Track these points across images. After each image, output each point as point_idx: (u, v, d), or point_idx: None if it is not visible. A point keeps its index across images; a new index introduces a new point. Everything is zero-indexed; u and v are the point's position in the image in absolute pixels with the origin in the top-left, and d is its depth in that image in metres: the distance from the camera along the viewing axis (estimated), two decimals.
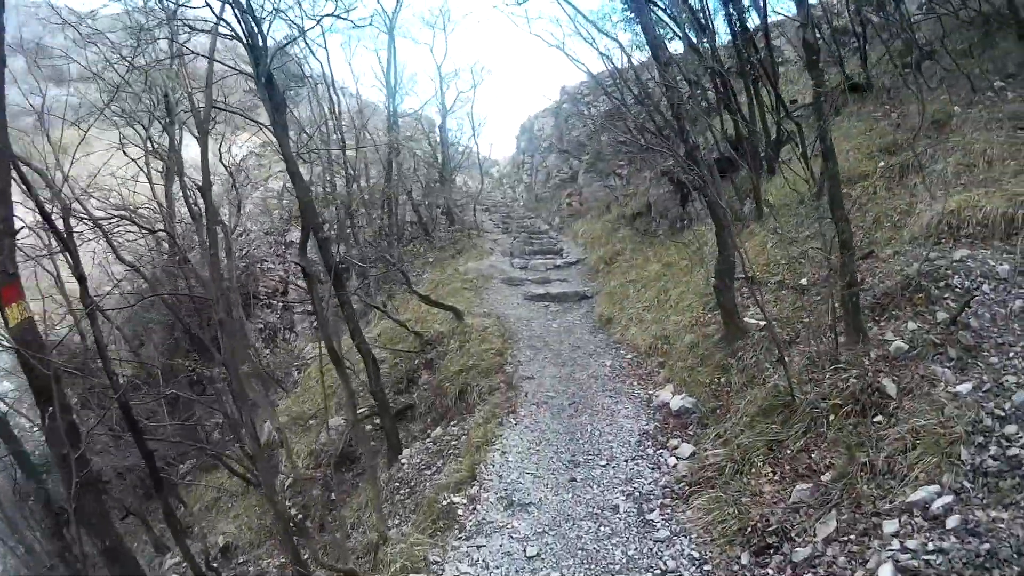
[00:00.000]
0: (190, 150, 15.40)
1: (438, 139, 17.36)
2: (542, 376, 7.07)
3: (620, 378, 6.78)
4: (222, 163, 15.22)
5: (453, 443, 6.74)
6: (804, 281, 6.48)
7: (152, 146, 13.17)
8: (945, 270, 4.78)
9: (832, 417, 4.15)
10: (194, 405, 12.07)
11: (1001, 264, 4.70)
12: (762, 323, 5.97)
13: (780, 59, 12.38)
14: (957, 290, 4.60)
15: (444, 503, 5.04)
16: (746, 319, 6.06)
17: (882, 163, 7.40)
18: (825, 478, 3.76)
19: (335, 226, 15.67)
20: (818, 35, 12.60)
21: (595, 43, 13.00)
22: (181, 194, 12.70)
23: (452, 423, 7.49)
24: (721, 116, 11.32)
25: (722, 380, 5.55)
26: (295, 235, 20.56)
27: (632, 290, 9.47)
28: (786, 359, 4.49)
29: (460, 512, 4.83)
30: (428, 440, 7.39)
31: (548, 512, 4.55)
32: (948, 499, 3.19)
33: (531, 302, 10.54)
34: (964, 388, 3.72)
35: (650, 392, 6.22)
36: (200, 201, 15.50)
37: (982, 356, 3.98)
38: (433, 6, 34.21)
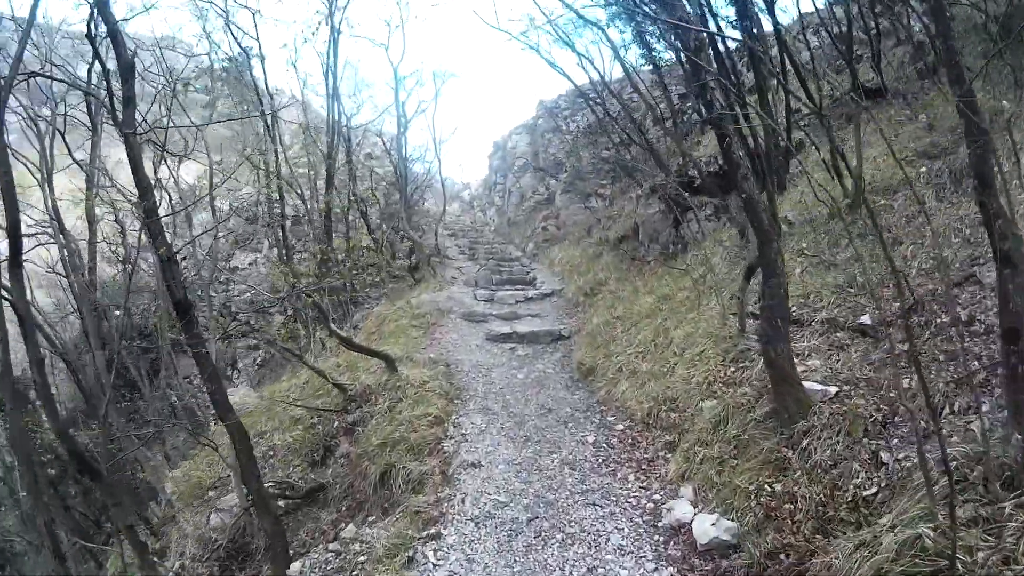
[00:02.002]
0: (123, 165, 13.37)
1: (396, 156, 15.34)
2: (493, 461, 4.78)
3: (609, 466, 4.52)
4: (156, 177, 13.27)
5: (361, 559, 4.53)
6: (867, 319, 4.56)
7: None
8: None
9: None
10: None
11: None
12: (831, 390, 3.85)
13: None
14: None
15: None
16: (804, 381, 3.91)
17: (924, 168, 5.96)
18: None
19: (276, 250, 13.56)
20: (817, 43, 11.21)
21: (573, 46, 11.13)
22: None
23: (369, 519, 5.35)
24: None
25: (778, 488, 3.33)
26: (239, 260, 18.42)
27: (620, 329, 7.34)
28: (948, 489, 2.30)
29: None
30: (332, 545, 5.15)
31: None
32: None
33: (493, 343, 8.40)
34: None
35: (656, 498, 3.94)
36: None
37: None
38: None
